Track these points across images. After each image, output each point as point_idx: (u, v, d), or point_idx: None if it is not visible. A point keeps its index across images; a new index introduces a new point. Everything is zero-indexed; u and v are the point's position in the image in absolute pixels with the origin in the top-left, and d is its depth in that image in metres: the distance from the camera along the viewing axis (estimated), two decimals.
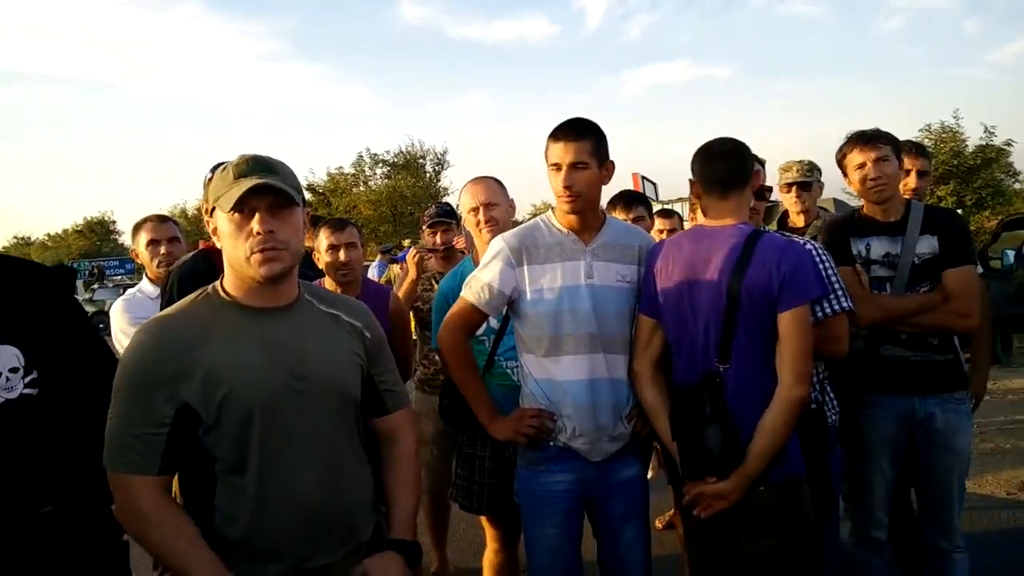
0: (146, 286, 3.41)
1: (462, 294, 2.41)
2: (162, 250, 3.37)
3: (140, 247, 3.42)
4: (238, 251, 1.62)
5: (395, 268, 4.02)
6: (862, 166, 2.77)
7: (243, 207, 1.59)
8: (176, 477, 1.70)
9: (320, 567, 1.69)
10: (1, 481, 1.92)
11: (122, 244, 50.00)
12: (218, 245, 1.71)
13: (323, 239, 3.21)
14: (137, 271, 35.62)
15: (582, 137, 2.28)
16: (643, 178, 11.70)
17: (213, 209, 1.68)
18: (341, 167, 38.36)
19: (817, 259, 2.43)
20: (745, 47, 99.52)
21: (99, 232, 48.41)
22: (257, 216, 1.60)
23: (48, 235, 53.58)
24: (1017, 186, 26.04)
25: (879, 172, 2.72)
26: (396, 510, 1.86)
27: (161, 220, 3.51)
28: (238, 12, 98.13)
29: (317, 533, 1.68)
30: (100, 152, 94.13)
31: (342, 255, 3.17)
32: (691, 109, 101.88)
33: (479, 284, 2.35)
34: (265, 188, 1.60)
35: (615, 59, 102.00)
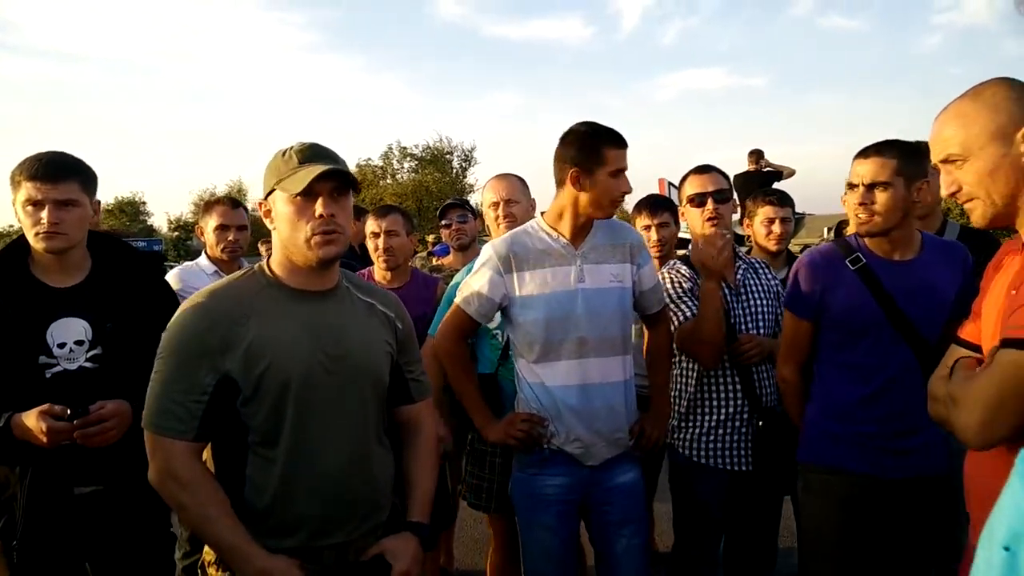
0: (204, 261, 3.42)
1: (456, 300, 2.43)
2: (230, 237, 3.37)
3: (208, 228, 3.40)
4: (298, 233, 1.69)
5: (433, 260, 4.04)
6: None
7: (309, 191, 1.65)
8: (209, 446, 1.77)
9: (338, 544, 1.74)
10: (45, 456, 1.99)
11: (151, 225, 50.70)
12: (270, 226, 1.77)
13: (369, 225, 3.29)
14: (166, 251, 36.13)
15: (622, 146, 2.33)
16: (669, 183, 11.64)
17: (271, 192, 1.74)
18: (370, 159, 38.65)
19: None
20: (782, 58, 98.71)
21: (129, 212, 49.04)
22: (321, 200, 1.67)
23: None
24: None
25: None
26: (416, 493, 1.92)
27: (234, 205, 3.47)
28: (282, 1, 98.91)
29: (340, 509, 1.74)
30: (133, 134, 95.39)
31: (382, 241, 3.21)
32: (724, 117, 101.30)
33: (470, 291, 2.38)
34: (332, 173, 1.67)
35: (649, 63, 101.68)
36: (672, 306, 2.71)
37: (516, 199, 3.00)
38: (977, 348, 1.61)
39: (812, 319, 2.41)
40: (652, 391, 2.64)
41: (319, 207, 1.67)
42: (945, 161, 1.54)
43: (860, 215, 2.28)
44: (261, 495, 1.68)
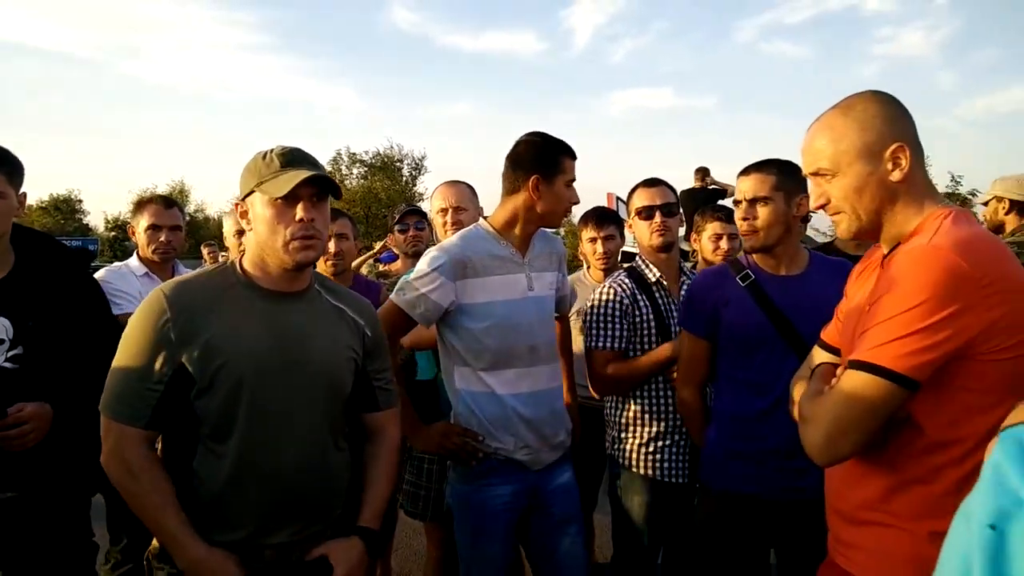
0: (134, 262, 3.23)
1: (392, 297, 2.32)
2: (162, 238, 3.19)
3: (139, 228, 3.22)
4: (277, 236, 1.70)
5: (379, 267, 3.97)
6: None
7: (291, 195, 1.66)
8: (161, 437, 1.77)
9: (282, 543, 1.74)
10: None
11: (87, 224, 49.07)
12: (246, 227, 1.78)
13: (343, 225, 3.20)
14: (101, 251, 34.96)
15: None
16: (617, 198, 11.80)
17: (249, 193, 1.74)
18: None
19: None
20: (728, 81, 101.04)
21: (64, 210, 47.40)
22: (302, 204, 1.69)
23: None
24: None
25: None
26: (369, 498, 1.92)
27: (167, 205, 3.28)
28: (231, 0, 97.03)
29: (286, 509, 1.74)
30: (71, 129, 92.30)
31: (332, 245, 3.15)
32: (672, 136, 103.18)
33: (416, 294, 2.25)
34: (314, 179, 1.68)
35: (600, 80, 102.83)
36: (598, 326, 2.73)
37: (464, 206, 3.00)
38: (837, 351, 1.69)
39: (708, 337, 2.43)
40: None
41: (300, 211, 1.68)
42: (815, 174, 1.58)
43: (744, 229, 2.35)
44: (207, 488, 1.69)
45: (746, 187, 2.33)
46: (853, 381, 1.40)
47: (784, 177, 2.30)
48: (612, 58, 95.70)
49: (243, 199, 1.77)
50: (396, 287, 2.36)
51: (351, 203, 34.10)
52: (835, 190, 1.55)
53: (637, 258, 2.91)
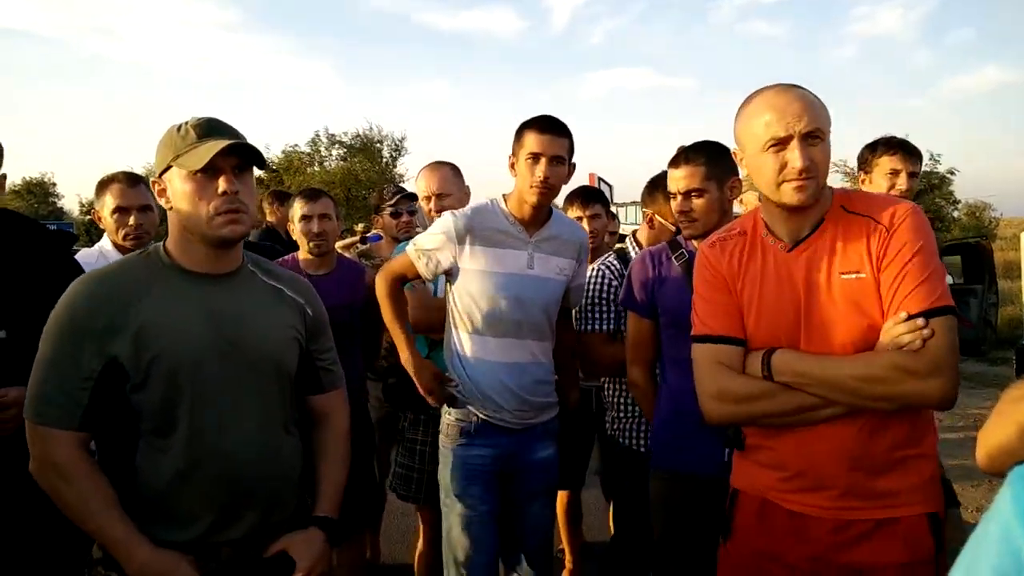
0: (107, 246, 2.93)
1: (407, 249, 2.48)
2: (131, 220, 2.84)
3: (104, 212, 2.88)
4: (200, 211, 1.60)
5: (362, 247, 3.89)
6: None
7: (210, 167, 1.57)
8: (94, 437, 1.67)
9: (238, 539, 1.66)
10: None
11: (60, 208, 48.22)
12: (165, 206, 1.68)
13: (297, 209, 3.13)
14: (77, 235, 34.36)
15: (564, 135, 2.39)
16: (599, 179, 11.79)
17: (166, 169, 1.64)
18: (296, 145, 37.71)
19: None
20: (705, 61, 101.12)
21: (37, 194, 46.50)
22: (224, 176, 1.60)
23: None
24: (956, 213, 27.04)
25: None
26: (324, 486, 1.87)
27: (131, 182, 2.90)
28: None
29: (239, 503, 1.66)
30: (41, 110, 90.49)
31: (315, 225, 3.08)
32: (650, 116, 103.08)
33: (423, 248, 2.44)
34: (234, 148, 1.59)
35: (579, 60, 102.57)
36: (590, 310, 2.78)
37: (448, 191, 3.00)
38: (741, 342, 1.77)
39: (650, 317, 2.45)
40: (564, 381, 2.71)
41: (222, 184, 1.59)
42: (809, 134, 1.60)
43: (682, 221, 2.37)
44: (152, 486, 1.60)
45: (679, 180, 2.34)
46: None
47: (713, 166, 2.33)
48: (591, 39, 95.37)
49: (160, 176, 1.66)
50: (411, 241, 2.49)
51: (331, 184, 33.68)
52: (819, 155, 1.61)
53: (628, 239, 2.92)
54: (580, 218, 3.41)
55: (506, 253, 2.39)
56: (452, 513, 2.44)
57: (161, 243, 1.72)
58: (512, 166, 2.43)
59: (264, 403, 1.71)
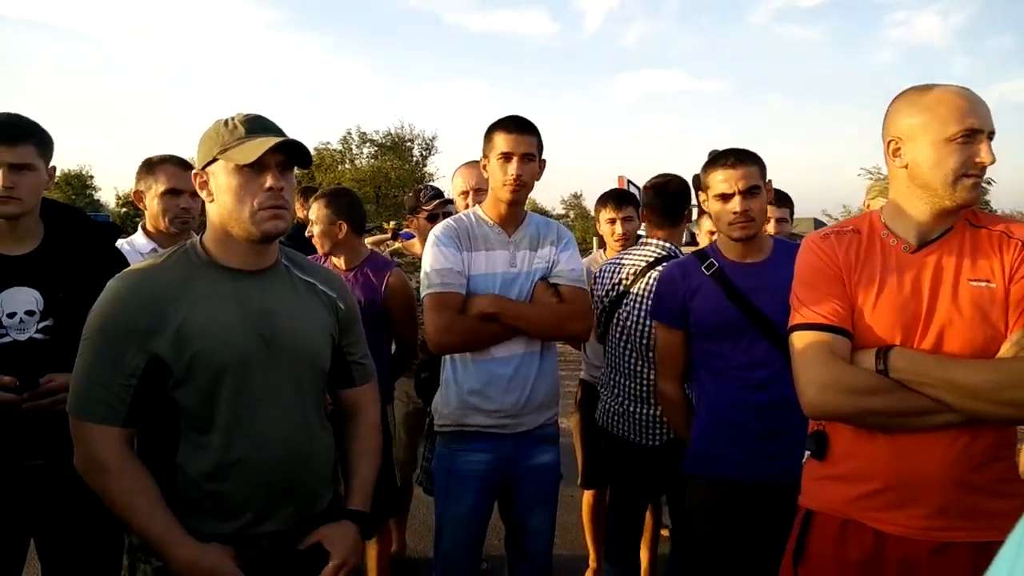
0: (140, 240, 2.82)
1: (431, 292, 2.38)
2: (181, 203, 2.75)
3: (152, 194, 2.76)
4: (244, 206, 1.61)
5: (396, 244, 3.90)
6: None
7: (259, 163, 1.58)
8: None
9: (275, 532, 1.69)
10: None
11: (98, 200, 49.17)
12: (206, 199, 1.68)
13: (318, 209, 3.15)
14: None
15: (532, 132, 2.43)
16: (629, 181, 11.72)
17: (211, 162, 1.64)
18: (328, 143, 38.12)
19: None
20: (740, 63, 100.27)
21: (75, 186, 47.49)
22: (271, 172, 1.60)
23: None
24: None
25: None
26: (356, 481, 1.88)
27: (184, 166, 2.78)
28: None
29: (277, 496, 1.68)
30: (81, 106, 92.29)
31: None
32: (682, 118, 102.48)
33: (441, 270, 2.37)
34: (283, 146, 1.60)
35: (611, 62, 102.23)
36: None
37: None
38: (847, 333, 1.71)
39: (682, 328, 2.46)
40: None
41: (269, 180, 1.60)
42: (989, 135, 1.59)
43: (739, 222, 2.31)
44: (193, 481, 1.62)
45: (739, 180, 2.30)
46: None
47: (762, 167, 2.36)
48: (623, 40, 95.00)
49: (203, 168, 1.66)
50: (424, 286, 2.43)
51: (361, 183, 34.05)
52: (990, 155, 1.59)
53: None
54: (613, 220, 3.43)
55: (490, 255, 2.44)
56: (441, 518, 2.48)
57: (197, 239, 1.73)
58: (484, 167, 2.49)
59: (301, 399, 1.73)
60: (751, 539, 2.31)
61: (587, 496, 3.69)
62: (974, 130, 1.56)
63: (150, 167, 2.79)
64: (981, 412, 1.50)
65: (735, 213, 2.31)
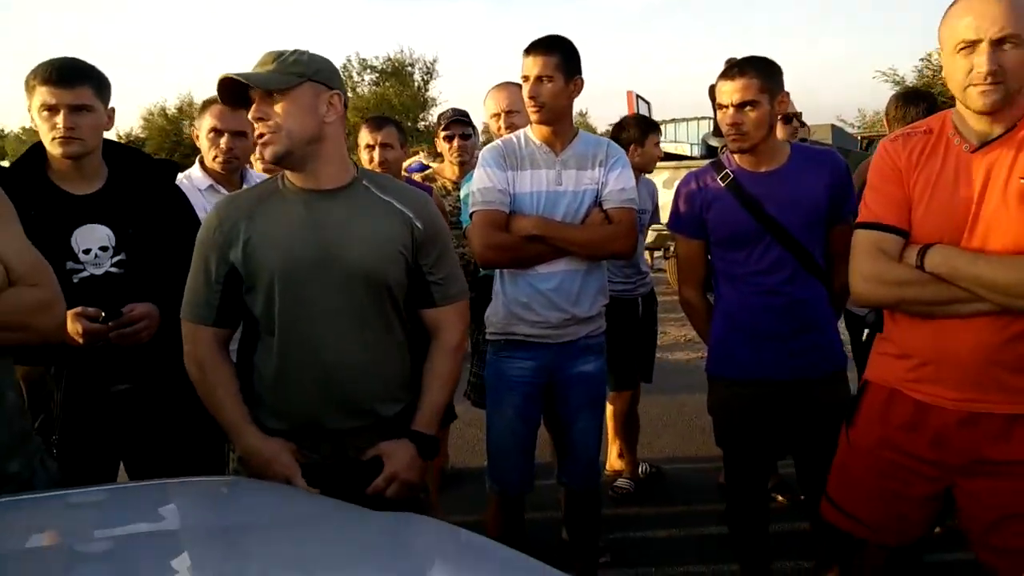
0: (197, 173, 2.84)
1: (477, 209, 2.48)
2: (222, 144, 2.76)
3: (202, 132, 2.82)
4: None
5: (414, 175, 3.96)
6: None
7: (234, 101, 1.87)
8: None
9: (333, 430, 1.85)
10: (79, 356, 2.05)
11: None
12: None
13: (362, 137, 3.20)
14: None
15: (550, 52, 2.43)
16: (637, 96, 11.55)
17: (334, 93, 1.89)
18: None
19: None
20: None
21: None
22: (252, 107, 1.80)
23: (23, 128, 51.71)
24: None
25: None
26: (423, 402, 1.94)
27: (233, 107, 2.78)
28: None
29: (331, 398, 1.83)
30: (72, 44, 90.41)
31: (377, 154, 3.15)
32: (689, 30, 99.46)
33: (487, 189, 2.46)
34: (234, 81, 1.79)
35: None
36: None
37: (517, 108, 3.00)
38: (904, 233, 1.83)
39: (700, 237, 2.55)
40: None
41: (251, 113, 1.82)
42: (1002, 40, 1.59)
43: (732, 135, 2.38)
44: (263, 380, 1.85)
45: (733, 92, 2.34)
46: None
47: (767, 79, 2.35)
48: None
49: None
50: (470, 201, 2.52)
51: (364, 111, 33.54)
52: (1010, 60, 1.60)
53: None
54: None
55: (536, 174, 2.49)
56: (494, 415, 2.61)
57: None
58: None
59: (360, 312, 1.82)
60: (770, 433, 2.49)
61: (613, 401, 3.73)
62: (969, 42, 1.62)
63: (203, 107, 2.84)
64: (1007, 304, 1.65)
65: (727, 126, 2.38)
